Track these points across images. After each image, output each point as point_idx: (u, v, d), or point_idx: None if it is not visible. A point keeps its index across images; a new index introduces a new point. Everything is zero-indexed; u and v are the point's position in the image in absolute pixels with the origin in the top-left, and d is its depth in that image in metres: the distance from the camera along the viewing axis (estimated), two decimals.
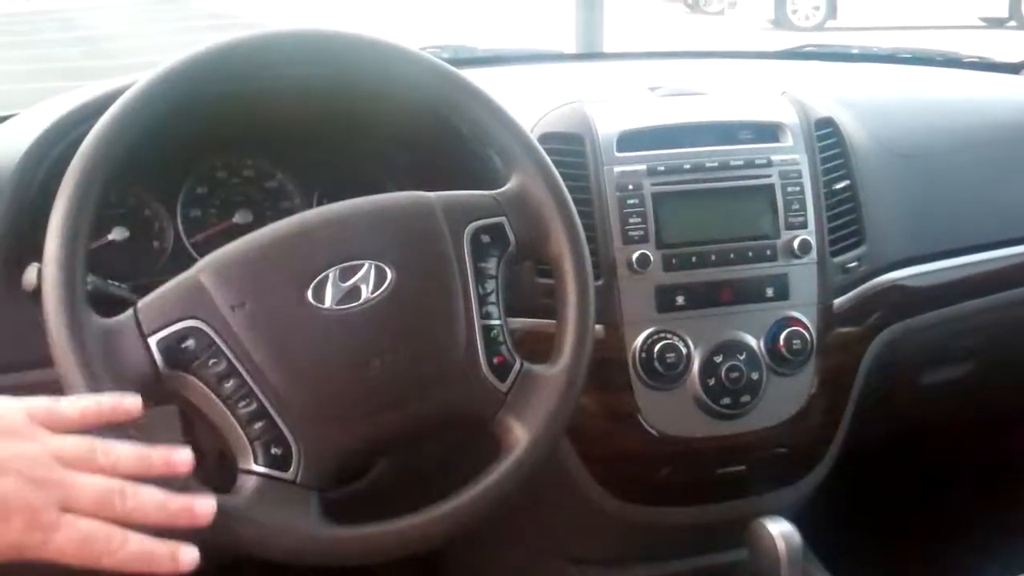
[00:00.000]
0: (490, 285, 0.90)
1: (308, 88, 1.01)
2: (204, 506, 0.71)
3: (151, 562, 0.67)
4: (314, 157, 1.15)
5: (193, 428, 1.00)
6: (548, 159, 0.94)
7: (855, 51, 1.66)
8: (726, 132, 1.16)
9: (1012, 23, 11.18)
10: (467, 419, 0.89)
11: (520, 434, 0.88)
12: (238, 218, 1.14)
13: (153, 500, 0.69)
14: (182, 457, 0.71)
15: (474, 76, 0.96)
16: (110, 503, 0.67)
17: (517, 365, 0.89)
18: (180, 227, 1.12)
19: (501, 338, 0.89)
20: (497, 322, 0.89)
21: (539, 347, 0.92)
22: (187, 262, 0.88)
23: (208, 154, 1.14)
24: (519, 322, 1.00)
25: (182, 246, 1.11)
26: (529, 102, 1.15)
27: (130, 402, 0.73)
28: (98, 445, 0.69)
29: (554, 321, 0.94)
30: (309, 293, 0.84)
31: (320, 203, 1.14)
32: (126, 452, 0.70)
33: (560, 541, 1.27)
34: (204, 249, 1.03)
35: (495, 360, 0.88)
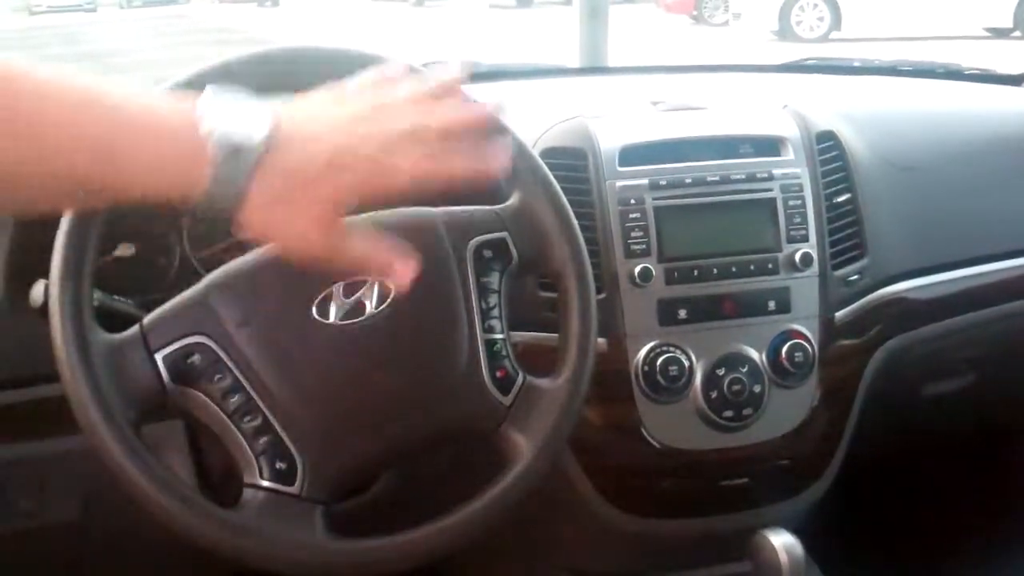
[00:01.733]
0: (492, 300, 0.90)
1: None
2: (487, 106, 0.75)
3: (480, 163, 0.73)
4: None
5: (199, 444, 1.00)
6: (550, 174, 0.95)
7: (856, 64, 1.67)
8: (727, 146, 1.17)
9: (1016, 33, 11.18)
10: (470, 432, 0.89)
11: (523, 447, 0.88)
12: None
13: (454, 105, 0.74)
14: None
15: (477, 91, 0.97)
16: (427, 121, 0.71)
17: (520, 379, 0.89)
18: (186, 243, 1.13)
19: (504, 352, 0.90)
20: (500, 336, 0.90)
21: (542, 360, 0.93)
22: (194, 278, 0.88)
23: None
24: (521, 336, 1.00)
25: (188, 262, 1.12)
26: (532, 117, 1.16)
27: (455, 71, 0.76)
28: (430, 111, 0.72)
29: (556, 334, 0.94)
30: (313, 309, 0.85)
31: None
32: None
33: (563, 553, 1.28)
34: (211, 265, 1.03)
35: (498, 374, 0.88)
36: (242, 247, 1.05)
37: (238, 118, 0.67)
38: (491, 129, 0.76)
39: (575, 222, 0.94)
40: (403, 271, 0.73)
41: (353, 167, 0.68)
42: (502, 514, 0.87)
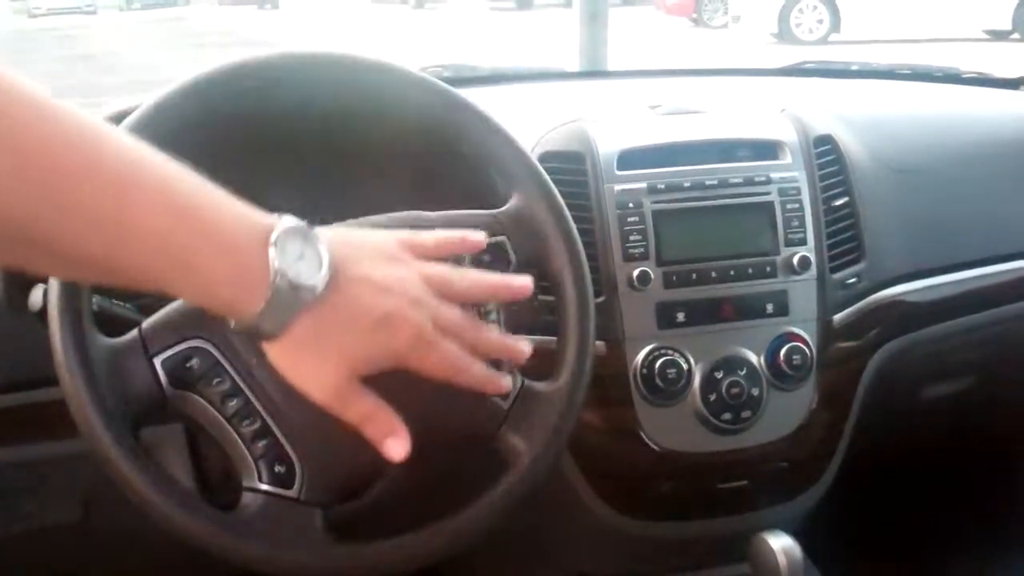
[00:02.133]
0: (490, 303, 0.91)
1: (311, 108, 1.03)
2: (523, 346, 0.81)
3: (489, 383, 0.79)
4: (316, 176, 1.16)
5: (198, 448, 1.01)
6: (548, 178, 0.95)
7: (855, 67, 1.67)
8: (725, 150, 1.17)
9: (1015, 35, 11.19)
10: (469, 436, 0.90)
11: (522, 450, 0.88)
12: None
13: (494, 334, 0.80)
14: (522, 281, 0.80)
15: (476, 95, 0.98)
16: (466, 328, 0.76)
17: (518, 382, 0.90)
18: None
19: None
20: None
21: (540, 364, 0.93)
22: None
23: (211, 173, 1.15)
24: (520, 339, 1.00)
25: None
26: (530, 121, 1.16)
27: (475, 236, 0.82)
28: (455, 271, 0.77)
29: (555, 338, 0.95)
30: None
31: (323, 222, 1.15)
32: (478, 277, 0.79)
33: (562, 556, 1.28)
34: None
35: None
36: None
37: (303, 257, 0.69)
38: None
39: (573, 226, 0.94)
40: (395, 449, 0.76)
41: (389, 343, 0.71)
42: (502, 516, 0.87)
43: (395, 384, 0.84)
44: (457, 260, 0.89)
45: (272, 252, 0.67)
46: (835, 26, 11.16)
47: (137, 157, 0.64)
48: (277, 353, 0.71)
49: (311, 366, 0.71)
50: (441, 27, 13.12)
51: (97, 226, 0.61)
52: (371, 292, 0.71)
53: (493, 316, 0.92)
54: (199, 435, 0.93)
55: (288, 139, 1.11)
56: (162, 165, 0.65)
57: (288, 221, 0.70)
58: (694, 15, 14.50)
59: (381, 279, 0.72)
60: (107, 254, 0.62)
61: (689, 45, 11.52)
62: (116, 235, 0.61)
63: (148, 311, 0.86)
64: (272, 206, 1.15)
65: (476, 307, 0.89)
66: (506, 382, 0.81)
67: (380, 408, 0.75)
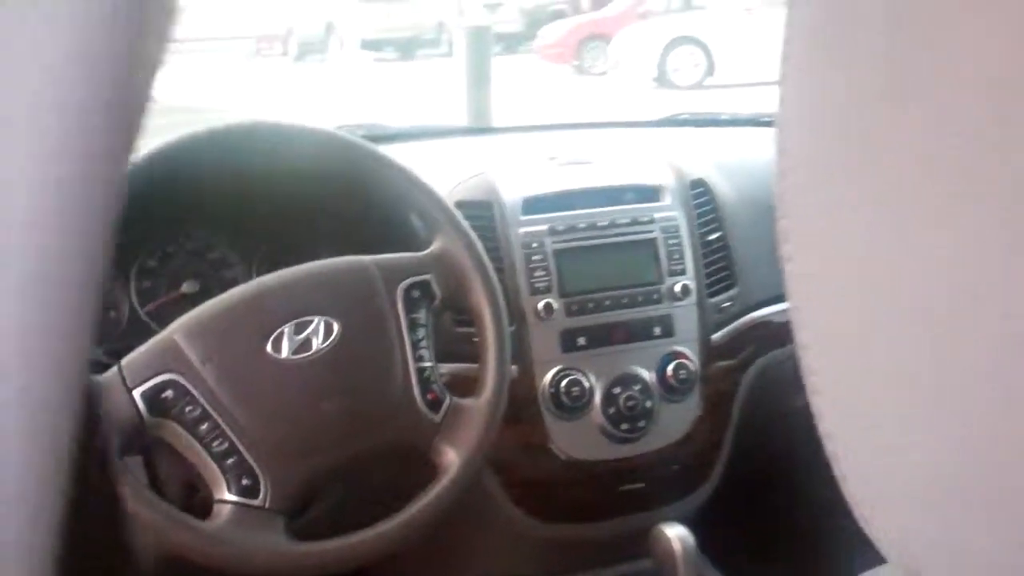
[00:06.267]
0: (421, 333, 1.05)
1: (244, 169, 1.16)
2: None
3: None
4: (252, 229, 1.29)
5: (158, 478, 1.13)
6: (466, 223, 1.11)
7: (723, 117, 1.86)
8: (614, 195, 1.34)
9: None
10: (407, 447, 1.04)
11: (453, 457, 1.03)
12: (186, 287, 1.26)
13: None
14: None
15: (390, 151, 1.13)
16: None
17: (447, 400, 1.05)
18: (134, 298, 1.25)
19: (432, 377, 1.05)
20: (428, 364, 1.05)
21: (464, 386, 1.08)
22: (142, 328, 1.02)
23: (158, 231, 1.27)
24: (447, 367, 1.15)
25: (137, 315, 1.24)
26: (441, 174, 1.31)
27: None
28: None
29: (475, 364, 1.10)
30: (268, 345, 0.99)
31: (260, 271, 1.28)
32: None
33: (483, 560, 1.42)
34: (156, 317, 1.17)
35: (428, 396, 1.04)
36: (184, 298, 1.20)
37: None
38: None
39: (489, 265, 1.10)
40: None
41: None
42: (439, 514, 1.02)
43: (343, 406, 0.99)
44: (391, 302, 1.04)
45: None
46: (710, 70, 11.54)
47: None
48: None
49: None
50: (324, 79, 13.21)
51: None
52: None
53: (427, 359, 1.06)
54: (159, 461, 1.05)
55: (220, 198, 1.24)
56: None
57: None
58: (575, 62, 14.85)
59: None
60: None
61: (572, 92, 11.82)
62: None
63: (112, 355, 0.98)
64: (213, 260, 1.29)
65: (411, 341, 1.04)
66: None
67: None
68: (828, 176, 0.35)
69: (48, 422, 0.34)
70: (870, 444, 0.35)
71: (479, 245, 1.10)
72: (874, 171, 0.32)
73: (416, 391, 1.03)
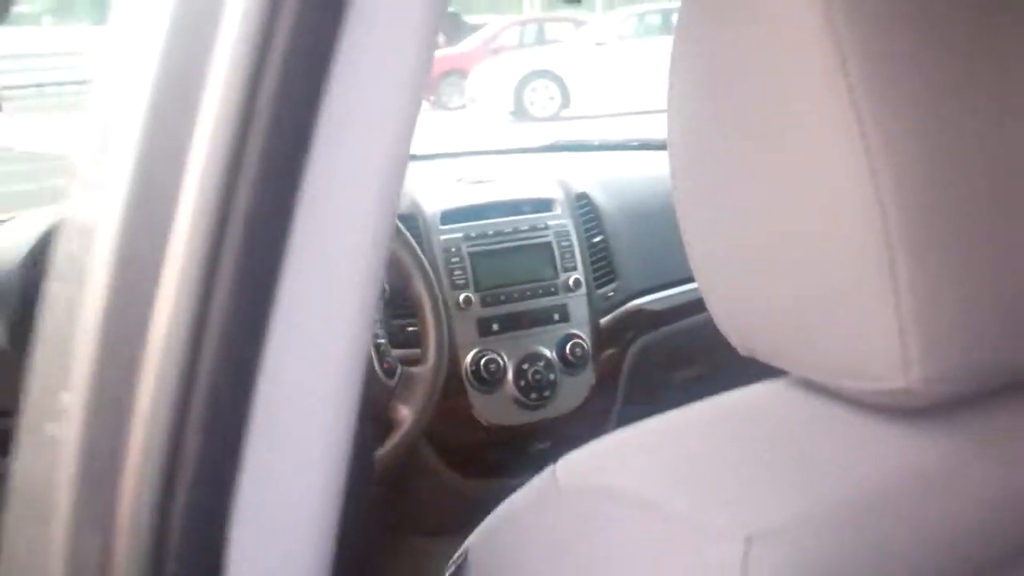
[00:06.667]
0: (375, 316, 1.32)
1: None
2: None
3: None
4: None
5: None
6: (405, 231, 1.38)
7: (595, 143, 2.18)
8: (515, 207, 1.63)
9: None
10: (371, 407, 1.30)
11: (406, 414, 1.30)
12: None
13: None
14: None
15: None
16: None
17: (399, 368, 1.31)
18: None
19: (386, 351, 1.31)
20: (382, 340, 1.31)
21: (405, 364, 1.35)
22: None
23: None
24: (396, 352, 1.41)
25: None
26: None
27: None
28: None
29: (410, 349, 1.37)
30: None
31: None
32: None
33: (418, 518, 1.68)
34: None
35: (384, 365, 1.30)
36: None
37: None
38: None
39: (426, 263, 1.37)
40: None
41: None
42: (397, 459, 1.28)
43: None
44: None
45: None
46: (566, 103, 11.87)
47: None
48: None
49: None
50: None
51: None
52: None
53: (381, 336, 1.32)
54: None
55: None
56: None
57: None
58: (432, 97, 15.12)
59: None
60: None
61: (430, 126, 12.05)
62: None
63: None
64: None
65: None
66: None
67: None
68: (705, 175, 0.57)
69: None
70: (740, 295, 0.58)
71: (417, 248, 1.37)
72: (729, 178, 0.55)
73: (376, 362, 1.29)
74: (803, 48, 0.46)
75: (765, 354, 0.54)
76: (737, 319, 0.55)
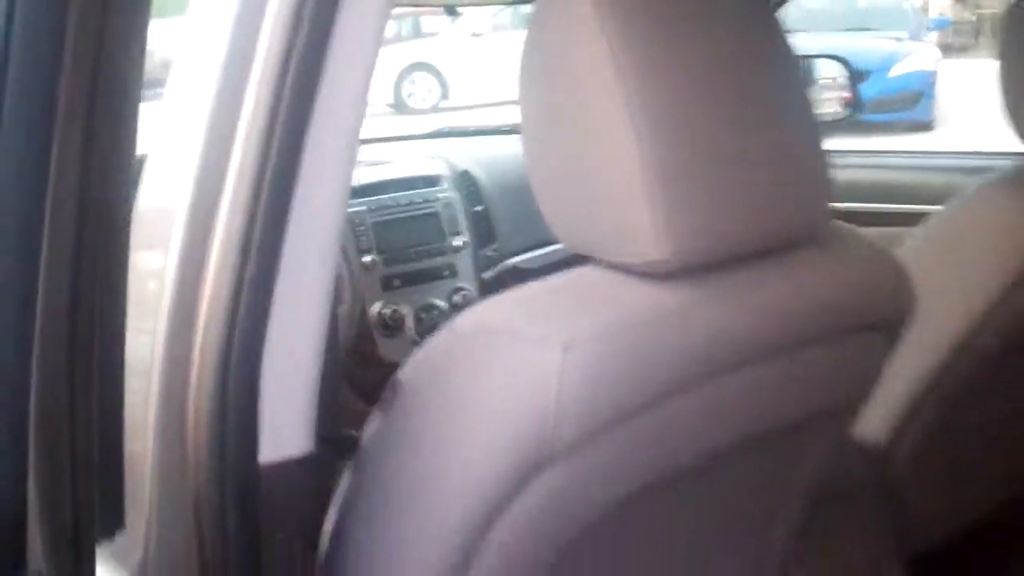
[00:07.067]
0: None
1: None
2: None
3: None
4: None
5: None
6: None
7: (473, 129, 2.51)
8: (408, 183, 1.95)
9: None
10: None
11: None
12: None
13: None
14: None
15: None
16: None
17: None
18: None
19: None
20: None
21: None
22: None
23: None
24: None
25: None
26: None
27: None
28: None
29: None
30: None
31: None
32: None
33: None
34: None
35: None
36: None
37: None
38: None
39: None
40: None
41: None
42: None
43: None
44: None
45: None
46: (444, 94, 12.04)
47: None
48: None
49: None
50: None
51: None
52: None
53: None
54: None
55: None
56: None
57: None
58: None
59: None
60: None
61: None
62: None
63: None
64: None
65: None
66: None
67: None
68: (538, 138, 0.90)
69: None
70: None
71: None
72: (549, 133, 0.89)
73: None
74: (578, 43, 0.80)
75: (577, 247, 0.87)
76: (562, 226, 0.88)
